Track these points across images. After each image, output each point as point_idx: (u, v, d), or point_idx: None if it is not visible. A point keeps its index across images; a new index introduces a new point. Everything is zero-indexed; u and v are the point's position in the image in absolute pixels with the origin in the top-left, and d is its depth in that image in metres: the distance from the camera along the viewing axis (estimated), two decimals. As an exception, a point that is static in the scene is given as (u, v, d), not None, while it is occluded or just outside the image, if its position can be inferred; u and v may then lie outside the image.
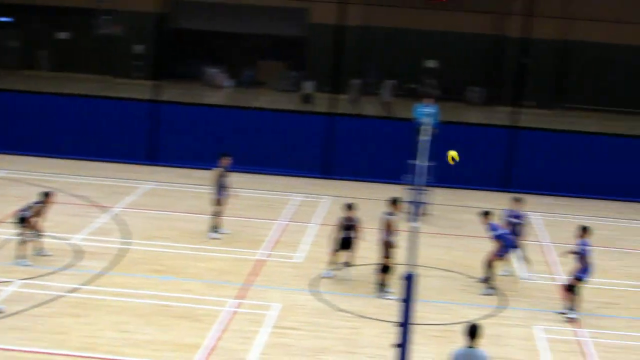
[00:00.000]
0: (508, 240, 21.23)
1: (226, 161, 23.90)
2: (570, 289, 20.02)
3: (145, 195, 28.33)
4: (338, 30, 34.89)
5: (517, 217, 22.27)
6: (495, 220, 21.49)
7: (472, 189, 31.10)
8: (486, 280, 21.24)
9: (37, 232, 21.21)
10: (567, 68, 44.89)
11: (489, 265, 21.07)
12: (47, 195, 21.30)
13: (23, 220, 20.83)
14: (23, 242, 20.89)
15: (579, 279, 19.93)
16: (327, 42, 38.07)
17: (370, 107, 38.93)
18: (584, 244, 19.84)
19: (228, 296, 19.75)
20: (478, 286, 21.40)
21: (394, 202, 20.92)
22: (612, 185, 31.40)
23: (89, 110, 33.11)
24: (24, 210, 21.00)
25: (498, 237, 21.04)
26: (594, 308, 20.44)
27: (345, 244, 21.02)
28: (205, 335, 17.61)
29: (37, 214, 21.02)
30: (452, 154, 19.64)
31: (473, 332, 13.38)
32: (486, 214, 21.39)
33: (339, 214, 25.97)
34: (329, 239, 21.25)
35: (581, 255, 19.77)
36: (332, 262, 21.36)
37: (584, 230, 20.08)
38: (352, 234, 21.03)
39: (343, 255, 21.17)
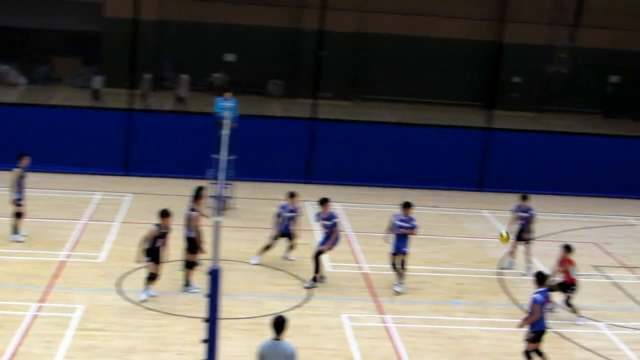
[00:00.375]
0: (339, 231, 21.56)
1: (25, 161, 23.11)
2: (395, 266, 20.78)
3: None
4: (133, 24, 34.26)
5: (292, 211, 22.53)
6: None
7: (275, 181, 31.19)
8: (321, 277, 21.47)
9: None
10: (362, 60, 45.82)
11: (318, 256, 21.24)
12: None
13: None
14: None
15: (404, 253, 20.79)
16: (123, 37, 37.44)
17: (167, 102, 38.63)
18: (411, 220, 20.78)
19: (30, 300, 19.13)
20: (284, 278, 21.60)
21: (197, 196, 20.74)
22: (410, 174, 32.19)
23: None
24: None
25: (334, 226, 21.26)
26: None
27: (154, 254, 19.70)
28: (7, 341, 17.01)
29: None
30: (504, 236, 20.37)
31: (279, 324, 13.45)
32: (325, 201, 21.57)
33: (142, 212, 25.69)
34: (138, 249, 20.21)
35: (409, 229, 20.88)
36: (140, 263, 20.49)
37: (408, 205, 20.98)
38: (162, 243, 19.84)
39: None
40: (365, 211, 28.69)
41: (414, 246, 24.10)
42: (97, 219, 25.87)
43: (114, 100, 37.40)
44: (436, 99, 45.38)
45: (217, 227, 12.38)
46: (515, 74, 45.02)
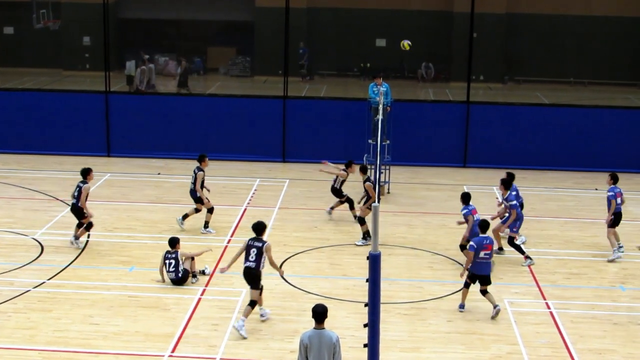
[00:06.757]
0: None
1: (205, 164, 23.82)
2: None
3: (101, 187, 28.02)
4: (285, 12, 34.37)
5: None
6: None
7: (430, 165, 30.98)
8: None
9: None
10: (514, 41, 45.21)
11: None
12: None
13: None
14: None
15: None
16: (274, 26, 37.77)
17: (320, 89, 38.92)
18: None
19: (196, 284, 19.63)
20: (444, 262, 21.55)
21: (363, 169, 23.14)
22: (568, 156, 31.40)
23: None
24: None
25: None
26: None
27: None
28: (175, 324, 17.52)
29: None
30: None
31: (320, 313, 13.65)
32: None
33: (298, 197, 26.04)
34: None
35: None
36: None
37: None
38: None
39: None
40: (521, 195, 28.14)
41: (576, 230, 23.65)
42: (256, 204, 26.28)
43: (269, 89, 37.97)
44: (591, 79, 44.42)
45: (375, 212, 12.35)
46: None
